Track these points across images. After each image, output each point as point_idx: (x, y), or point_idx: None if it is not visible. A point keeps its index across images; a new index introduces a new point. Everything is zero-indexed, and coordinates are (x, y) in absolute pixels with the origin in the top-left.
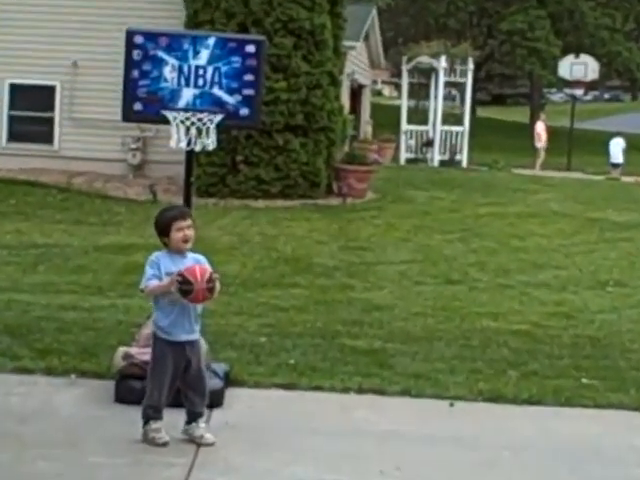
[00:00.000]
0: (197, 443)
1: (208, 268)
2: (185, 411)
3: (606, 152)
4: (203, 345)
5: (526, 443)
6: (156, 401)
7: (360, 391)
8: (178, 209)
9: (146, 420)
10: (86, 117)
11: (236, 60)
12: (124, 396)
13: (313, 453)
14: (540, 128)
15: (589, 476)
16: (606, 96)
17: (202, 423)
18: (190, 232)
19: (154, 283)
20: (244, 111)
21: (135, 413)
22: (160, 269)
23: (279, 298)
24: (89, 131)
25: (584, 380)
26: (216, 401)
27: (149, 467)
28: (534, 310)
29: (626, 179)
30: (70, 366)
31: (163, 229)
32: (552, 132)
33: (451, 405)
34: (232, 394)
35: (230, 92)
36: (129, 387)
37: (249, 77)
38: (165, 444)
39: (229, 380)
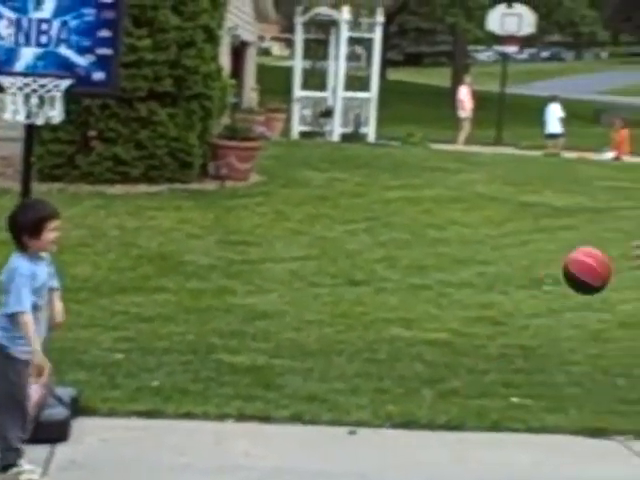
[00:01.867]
0: None
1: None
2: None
3: (542, 122)
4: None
5: (444, 477)
6: (22, 434)
7: (240, 418)
8: (47, 204)
9: (11, 463)
10: None
11: (89, 12)
12: None
13: None
14: (464, 94)
15: None
16: (544, 54)
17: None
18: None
19: None
20: (98, 75)
21: None
22: (37, 280)
23: (141, 306)
24: None
25: (514, 399)
26: (60, 434)
27: None
28: (455, 315)
29: (567, 154)
30: None
31: (35, 228)
32: (479, 98)
33: (352, 433)
34: (81, 425)
35: (81, 52)
36: None
37: (105, 33)
38: None
39: (77, 408)
